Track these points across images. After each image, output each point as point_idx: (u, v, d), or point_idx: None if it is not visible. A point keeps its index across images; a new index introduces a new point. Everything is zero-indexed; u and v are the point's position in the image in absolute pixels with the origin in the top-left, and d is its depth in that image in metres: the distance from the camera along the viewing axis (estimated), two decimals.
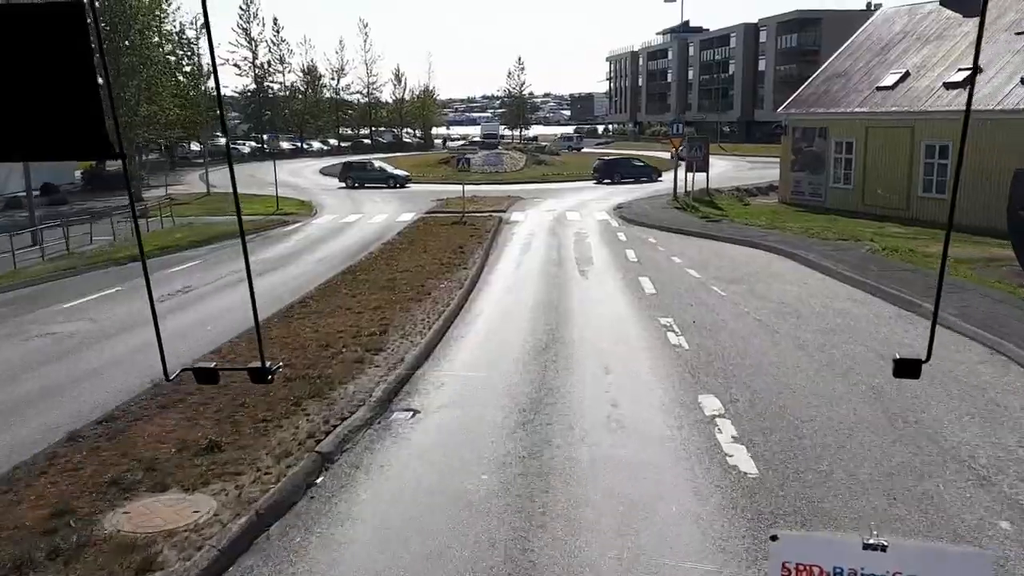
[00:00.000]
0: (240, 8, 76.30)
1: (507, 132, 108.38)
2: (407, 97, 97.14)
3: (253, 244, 23.19)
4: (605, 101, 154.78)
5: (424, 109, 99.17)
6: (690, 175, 32.05)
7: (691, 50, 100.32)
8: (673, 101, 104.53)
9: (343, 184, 44.83)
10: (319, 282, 16.73)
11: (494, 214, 28.87)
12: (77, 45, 1.35)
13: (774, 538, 1.79)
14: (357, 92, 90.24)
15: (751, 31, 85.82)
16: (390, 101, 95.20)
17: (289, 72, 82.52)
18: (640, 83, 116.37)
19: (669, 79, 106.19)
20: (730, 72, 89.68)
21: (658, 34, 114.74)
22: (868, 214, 26.55)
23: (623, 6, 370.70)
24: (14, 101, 1.39)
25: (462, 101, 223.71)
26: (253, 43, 77.58)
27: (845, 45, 35.14)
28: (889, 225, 23.39)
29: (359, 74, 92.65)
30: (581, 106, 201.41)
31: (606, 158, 49.56)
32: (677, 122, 32.36)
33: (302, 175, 52.50)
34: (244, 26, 76.96)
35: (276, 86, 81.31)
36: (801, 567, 1.73)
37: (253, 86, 78.72)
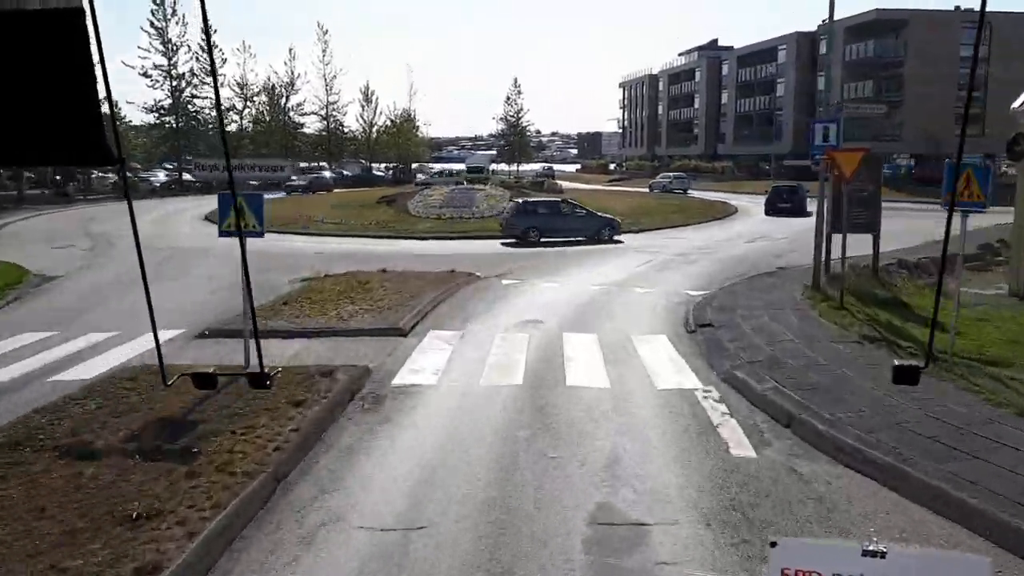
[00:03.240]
0: (154, 2, 59.05)
1: (504, 167, 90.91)
2: (382, 122, 79.56)
3: None
4: (613, 138, 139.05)
5: (401, 136, 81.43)
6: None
7: (724, 69, 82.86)
8: (702, 131, 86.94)
9: (512, 239, 26.44)
10: None
11: (369, 346, 10.45)
12: (77, 52, 1.34)
13: (774, 544, 1.75)
14: (312, 113, 72.80)
15: (805, 42, 68.22)
16: (358, 126, 77.63)
17: (222, 86, 65.02)
18: (660, 111, 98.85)
19: (696, 105, 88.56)
20: (777, 94, 71.92)
21: (681, 55, 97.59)
22: None
23: (637, 33, 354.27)
24: (14, 107, 1.37)
25: (469, 139, 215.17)
26: (170, 47, 60.17)
27: None
28: None
29: (317, 92, 74.65)
30: (588, 144, 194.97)
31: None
32: (832, 119, 13.91)
33: (170, 223, 34.22)
34: (158, 25, 59.61)
35: (202, 102, 63.64)
36: (801, 573, 1.72)
37: (168, 101, 61.00)
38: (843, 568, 1.69)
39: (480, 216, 32.50)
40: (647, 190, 59.10)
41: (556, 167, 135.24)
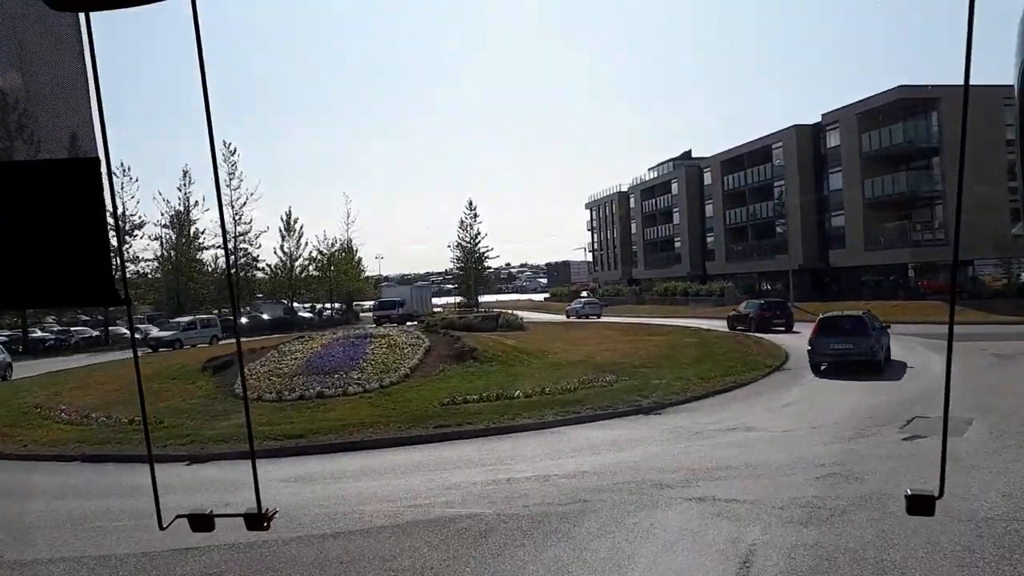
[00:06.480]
0: None
1: (460, 299, 77.65)
2: (308, 254, 66.07)
3: None
4: (582, 266, 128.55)
5: (334, 269, 67.69)
6: None
7: (707, 178, 71.84)
8: (685, 249, 74.91)
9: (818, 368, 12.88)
10: None
11: None
12: (91, 199, 1.37)
13: None
14: (216, 247, 59.35)
15: (807, 136, 57.20)
16: (276, 260, 64.05)
17: None
18: (634, 230, 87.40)
19: (676, 220, 76.99)
20: (776, 199, 60.20)
21: (651, 168, 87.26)
22: None
23: (606, 158, 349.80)
24: (28, 251, 1.36)
25: (439, 274, 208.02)
26: None
27: None
28: None
29: (223, 219, 61.15)
30: (558, 273, 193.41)
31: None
32: None
33: None
34: None
35: None
36: None
37: None
38: None
39: (361, 390, 17.93)
40: (564, 316, 57.31)
41: (526, 297, 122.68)
